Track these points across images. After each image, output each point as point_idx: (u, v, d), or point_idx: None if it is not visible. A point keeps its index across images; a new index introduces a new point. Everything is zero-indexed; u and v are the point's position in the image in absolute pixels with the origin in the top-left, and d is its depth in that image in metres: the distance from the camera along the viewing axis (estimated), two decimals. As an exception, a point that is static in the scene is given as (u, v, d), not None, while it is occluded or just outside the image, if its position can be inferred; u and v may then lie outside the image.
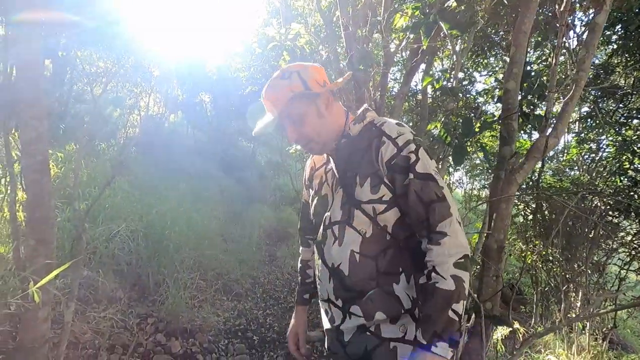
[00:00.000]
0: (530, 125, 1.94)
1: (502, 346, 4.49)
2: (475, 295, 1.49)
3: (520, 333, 4.57)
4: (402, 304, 0.92)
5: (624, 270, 4.60)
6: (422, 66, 3.37)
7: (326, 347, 1.09)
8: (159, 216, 3.64)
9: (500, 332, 4.42)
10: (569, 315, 4.99)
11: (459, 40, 1.95)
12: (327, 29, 2.99)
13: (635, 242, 5.03)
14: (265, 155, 12.42)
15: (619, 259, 5.39)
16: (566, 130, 6.50)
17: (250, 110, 8.41)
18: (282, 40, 2.49)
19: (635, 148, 4.40)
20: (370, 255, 0.94)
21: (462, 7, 1.41)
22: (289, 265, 5.55)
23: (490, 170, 6.98)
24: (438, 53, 3.98)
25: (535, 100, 1.90)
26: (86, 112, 7.59)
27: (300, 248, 1.33)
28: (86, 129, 5.80)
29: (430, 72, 3.18)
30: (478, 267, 1.73)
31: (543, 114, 1.76)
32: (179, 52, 9.45)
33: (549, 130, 1.52)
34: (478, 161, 8.26)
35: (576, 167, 5.69)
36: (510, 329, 3.08)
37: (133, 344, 2.30)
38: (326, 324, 1.06)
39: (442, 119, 1.57)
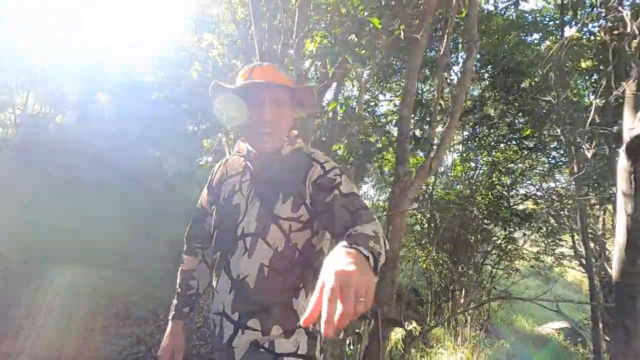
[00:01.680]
0: (419, 148, 2.23)
1: (402, 344, 4.93)
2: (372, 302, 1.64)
3: (417, 331, 5.10)
4: (298, 318, 0.96)
5: (494, 269, 5.52)
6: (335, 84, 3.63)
7: None
8: (38, 233, 3.13)
9: (400, 333, 4.86)
10: (454, 310, 5.73)
11: (365, 68, 2.17)
12: (243, 40, 3.00)
13: (503, 244, 6.08)
14: (174, 164, 11.58)
15: (491, 260, 6.43)
16: (452, 151, 7.56)
17: (159, 115, 7.81)
18: (193, 49, 2.42)
19: (501, 168, 5.37)
20: (279, 270, 0.95)
21: (363, 42, 1.60)
22: (199, 283, 5.24)
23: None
24: (348, 75, 4.31)
25: (425, 126, 2.20)
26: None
27: (184, 256, 1.24)
28: None
29: (341, 94, 3.40)
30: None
31: (427, 137, 2.05)
32: (74, 48, 8.34)
33: (433, 153, 1.78)
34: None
35: (460, 183, 6.60)
36: (409, 328, 3.41)
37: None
38: (216, 341, 1.02)
39: (345, 141, 1.73)
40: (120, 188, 7.75)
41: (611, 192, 3.58)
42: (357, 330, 1.64)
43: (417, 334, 5.16)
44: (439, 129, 2.08)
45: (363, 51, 1.57)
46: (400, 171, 1.89)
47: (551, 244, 5.69)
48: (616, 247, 0.87)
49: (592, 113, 1.95)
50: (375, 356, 1.72)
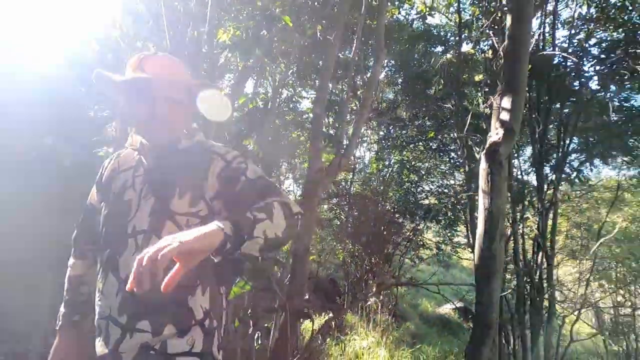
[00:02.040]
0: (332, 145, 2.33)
1: (320, 335, 5.12)
2: (281, 295, 1.67)
3: (332, 321, 5.35)
4: (194, 315, 0.94)
5: (402, 258, 6.07)
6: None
7: None
8: None
9: (318, 323, 5.05)
10: (368, 299, 6.14)
11: (275, 65, 2.17)
12: (154, 21, 2.75)
13: (411, 236, 6.71)
14: (70, 154, 10.14)
15: (400, 250, 7.04)
16: (369, 150, 8.06)
17: (52, 97, 6.75)
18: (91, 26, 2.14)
19: (410, 166, 5.91)
20: (173, 268, 0.93)
21: (275, 38, 1.61)
22: (99, 287, 4.71)
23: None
24: (267, 70, 4.26)
25: (338, 125, 2.30)
26: None
27: (72, 261, 1.14)
28: None
29: (261, 88, 3.36)
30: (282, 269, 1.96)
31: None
32: None
33: (342, 151, 1.88)
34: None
35: (375, 179, 7.06)
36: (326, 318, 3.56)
37: None
38: (100, 349, 0.95)
39: (255, 137, 1.73)
40: (1, 182, 6.53)
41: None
42: (265, 325, 1.66)
43: (333, 323, 5.42)
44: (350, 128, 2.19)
45: (275, 47, 1.58)
46: (313, 167, 1.95)
47: (449, 234, 6.45)
48: (477, 237, 1.04)
49: (468, 120, 2.27)
50: (284, 348, 1.76)
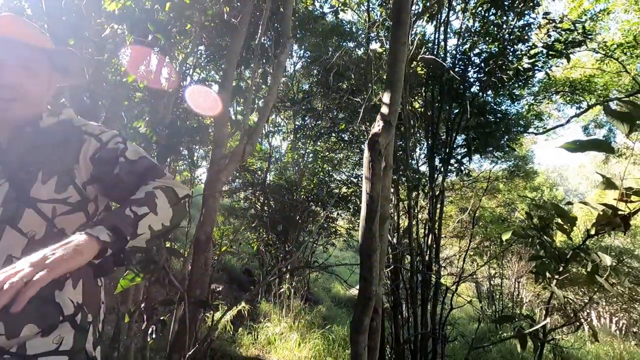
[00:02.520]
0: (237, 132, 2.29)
1: (231, 325, 5.06)
2: (180, 285, 1.61)
3: (246, 309, 5.32)
4: (62, 311, 0.85)
5: (314, 244, 6.32)
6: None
7: None
8: None
9: (230, 314, 4.97)
10: (281, 286, 6.26)
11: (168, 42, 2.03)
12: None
13: (324, 223, 7.00)
14: None
15: (312, 237, 7.31)
16: (285, 140, 8.10)
17: None
18: None
19: (323, 156, 6.13)
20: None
21: (171, 15, 1.50)
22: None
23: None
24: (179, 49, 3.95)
25: (245, 112, 2.26)
26: None
27: None
28: None
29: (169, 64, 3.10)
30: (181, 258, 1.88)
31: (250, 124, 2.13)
32: None
33: (246, 138, 1.86)
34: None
35: (290, 169, 7.15)
36: (239, 308, 3.53)
37: None
38: None
39: (147, 118, 1.59)
40: None
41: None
42: (162, 318, 1.58)
43: (246, 313, 5.40)
44: (255, 115, 2.18)
45: (173, 24, 1.47)
46: (217, 154, 1.90)
47: (357, 221, 6.89)
48: (361, 219, 1.16)
49: (361, 113, 2.46)
50: (182, 341, 1.70)
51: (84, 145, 0.90)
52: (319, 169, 6.33)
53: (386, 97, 1.21)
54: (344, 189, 6.58)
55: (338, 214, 6.69)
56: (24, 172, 0.86)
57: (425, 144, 4.71)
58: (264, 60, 2.84)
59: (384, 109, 1.19)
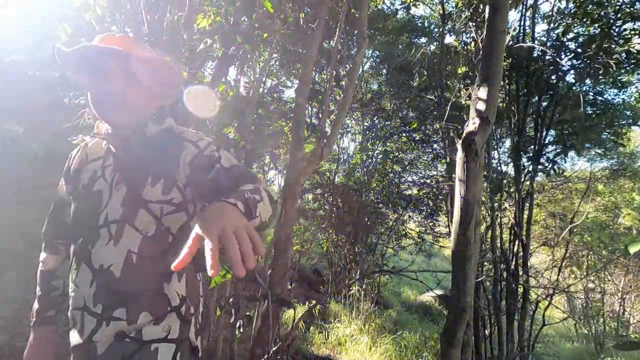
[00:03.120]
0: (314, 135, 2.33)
1: (303, 323, 5.19)
2: (263, 283, 1.68)
3: (316, 309, 5.41)
4: (170, 302, 0.93)
5: (385, 247, 6.17)
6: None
7: None
8: None
9: (301, 312, 5.10)
10: (351, 289, 6.24)
11: (257, 52, 2.14)
12: (131, 6, 2.65)
13: (394, 226, 6.82)
14: (41, 143, 9.73)
15: (382, 240, 7.16)
16: (353, 141, 8.08)
17: (23, 84, 6.45)
18: (63, 9, 2.04)
19: (393, 157, 5.96)
20: (149, 256, 0.91)
21: (256, 25, 1.58)
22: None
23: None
24: (253, 58, 4.18)
25: (320, 115, 2.29)
26: None
27: (43, 256, 1.12)
28: None
29: (243, 74, 3.29)
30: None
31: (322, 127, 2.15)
32: None
33: (324, 140, 1.88)
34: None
35: (358, 170, 7.11)
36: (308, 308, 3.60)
37: None
38: (74, 339, 0.94)
39: (236, 125, 1.70)
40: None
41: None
42: (247, 313, 1.66)
43: (317, 312, 5.48)
44: (333, 118, 2.19)
45: (257, 34, 1.55)
46: (295, 156, 1.95)
47: (430, 224, 6.58)
48: (454, 223, 1.07)
49: (447, 112, 2.31)
50: (266, 336, 1.77)
51: (183, 151, 0.96)
52: (389, 170, 6.18)
53: (482, 92, 1.11)
54: (415, 191, 6.33)
55: (409, 216, 6.45)
56: (136, 176, 0.95)
57: (509, 141, 4.30)
58: (337, 63, 2.85)
59: (480, 105, 1.09)
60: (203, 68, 3.31)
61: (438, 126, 4.72)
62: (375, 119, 7.18)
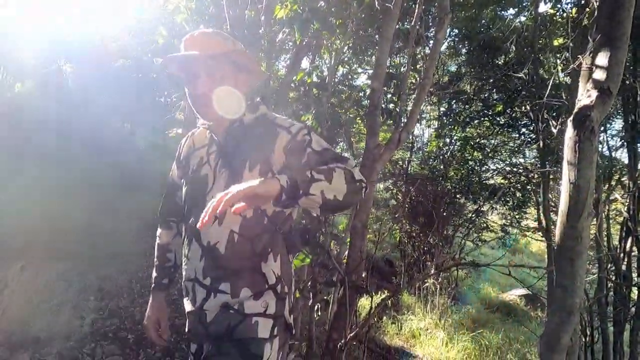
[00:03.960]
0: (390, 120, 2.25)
1: (376, 312, 5.16)
2: (341, 269, 1.69)
3: (389, 300, 5.34)
4: (267, 280, 1.00)
5: (464, 240, 5.78)
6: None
7: (187, 329, 1.08)
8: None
9: (374, 301, 5.07)
10: (425, 281, 6.01)
11: (337, 39, 2.11)
12: (214, 7, 2.84)
13: (473, 217, 6.35)
14: (145, 137, 11.15)
15: (461, 232, 6.72)
16: (428, 127, 7.66)
17: (127, 84, 7.42)
18: (158, 14, 2.27)
19: (473, 143, 5.50)
20: (248, 236, 0.99)
21: (333, 10, 1.55)
22: (174, 257, 5.21)
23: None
24: (325, 46, 4.19)
25: (396, 99, 2.20)
26: None
27: (159, 231, 1.29)
28: None
29: (315, 63, 3.32)
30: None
31: (397, 111, 2.06)
32: (29, 9, 7.68)
33: (402, 126, 1.80)
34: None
35: (434, 158, 6.75)
36: (382, 297, 3.57)
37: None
38: (188, 306, 1.07)
39: (313, 111, 1.71)
40: (87, 162, 7.43)
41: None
42: (324, 297, 1.70)
43: (389, 302, 5.41)
44: (410, 102, 2.08)
45: (332, 19, 1.53)
46: (370, 143, 1.90)
47: (517, 216, 5.97)
48: (560, 214, 0.93)
49: (549, 87, 2.01)
50: (343, 322, 1.78)
51: (277, 137, 1.01)
52: (469, 157, 5.74)
53: (602, 58, 0.92)
54: (499, 180, 5.79)
55: (493, 207, 5.94)
56: (236, 161, 1.02)
57: (621, 121, 3.65)
58: (414, 44, 2.69)
59: (599, 74, 0.91)
60: (277, 61, 3.40)
61: (528, 107, 4.21)
62: (452, 103, 6.69)
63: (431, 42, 2.17)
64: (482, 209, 6.15)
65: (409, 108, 1.99)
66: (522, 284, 1.96)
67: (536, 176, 4.77)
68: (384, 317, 5.18)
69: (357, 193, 0.93)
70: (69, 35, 7.33)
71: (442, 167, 6.18)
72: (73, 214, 4.18)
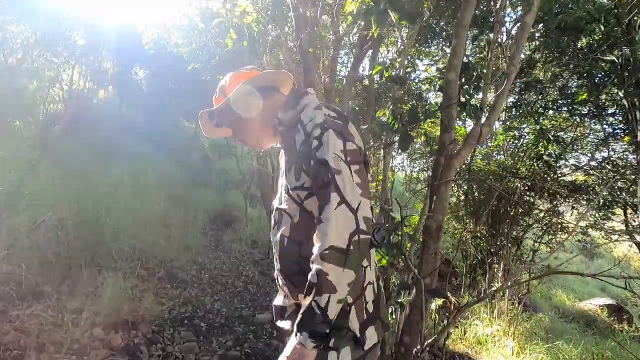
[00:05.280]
0: (465, 114, 2.10)
1: (437, 316, 4.94)
2: (417, 272, 1.61)
3: (452, 303, 5.07)
4: None
5: (537, 244, 5.27)
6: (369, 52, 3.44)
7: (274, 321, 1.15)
8: (92, 202, 3.34)
9: (434, 303, 4.85)
10: (492, 284, 5.62)
11: (406, 30, 2.02)
12: (277, 8, 2.90)
13: (546, 218, 5.78)
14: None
15: (533, 233, 6.16)
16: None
17: (192, 89, 7.93)
18: (229, 17, 2.36)
19: (550, 136, 4.98)
20: (297, 240, 0.97)
21: (410, -1, 1.48)
22: (237, 250, 5.47)
23: (429, 155, 7.45)
24: (384, 40, 4.07)
25: (472, 91, 2.04)
26: (-3, 85, 6.59)
27: None
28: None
29: (381, 60, 3.24)
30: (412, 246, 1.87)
31: (478, 105, 1.92)
32: (109, 21, 8.53)
33: (484, 119, 1.66)
34: (418, 145, 8.72)
35: (502, 153, 6.27)
36: (444, 300, 3.40)
37: (68, 341, 2.13)
38: (276, 301, 1.13)
39: (391, 107, 1.64)
40: (159, 160, 8.08)
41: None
42: (399, 300, 1.64)
43: (456, 305, 5.14)
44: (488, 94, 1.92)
45: (409, 8, 1.45)
46: (447, 139, 1.79)
47: (602, 218, 5.33)
48: None
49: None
50: (417, 326, 1.71)
51: (296, 136, 0.97)
52: (543, 152, 5.22)
53: None
54: (580, 177, 5.21)
55: (573, 207, 5.36)
56: (285, 166, 1.04)
57: None
58: (488, 31, 2.50)
59: None
60: (340, 57, 3.36)
61: (621, 94, 3.70)
62: (523, 93, 6.14)
63: (510, 27, 1.99)
64: (556, 209, 5.57)
65: (489, 100, 1.84)
66: (619, 301, 1.70)
67: (629, 172, 4.20)
68: (445, 320, 4.95)
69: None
70: (144, 44, 8.01)
71: (510, 162, 5.71)
72: (150, 208, 4.56)
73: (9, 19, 6.14)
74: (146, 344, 2.43)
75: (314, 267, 0.84)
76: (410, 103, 3.97)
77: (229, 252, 5.37)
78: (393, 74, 1.80)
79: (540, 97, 5.64)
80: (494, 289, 1.91)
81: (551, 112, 5.68)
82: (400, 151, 1.56)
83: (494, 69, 1.99)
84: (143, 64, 9.79)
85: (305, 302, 0.84)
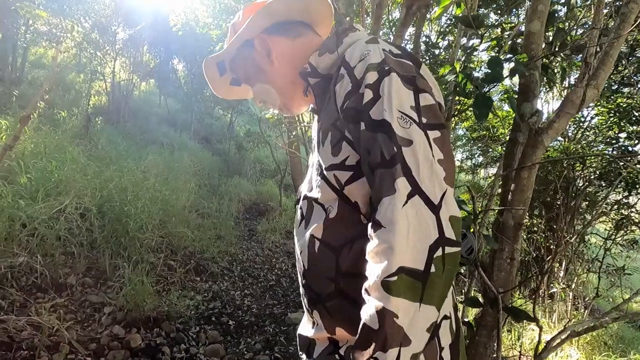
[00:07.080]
0: (546, 79, 1.64)
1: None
2: (493, 287, 1.22)
3: (541, 329, 4.56)
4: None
5: (609, 241, 4.54)
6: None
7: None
8: (119, 191, 3.22)
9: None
10: (551, 284, 5.01)
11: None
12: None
13: (614, 212, 5.02)
14: (243, 125, 11.85)
15: (598, 229, 5.40)
16: (558, 96, 6.31)
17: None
18: None
19: (628, 117, 4.23)
20: (333, 244, 0.62)
21: None
22: (270, 241, 5.29)
23: (477, 140, 6.79)
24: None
25: (556, 49, 1.58)
26: (45, 78, 6.85)
27: None
28: (43, 96, 5.15)
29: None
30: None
31: (563, 66, 1.46)
32: (145, 13, 8.62)
33: (586, 79, 1.21)
34: (461, 131, 8.03)
35: (564, 137, 5.53)
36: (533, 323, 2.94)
37: (85, 339, 1.98)
38: (300, 327, 0.75)
39: (462, 60, 1.26)
40: (194, 149, 8.10)
41: None
42: (466, 319, 1.28)
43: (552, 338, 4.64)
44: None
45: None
46: (527, 109, 1.36)
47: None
48: None
49: None
50: (483, 351, 1.33)
51: (338, 83, 0.61)
52: (618, 135, 4.47)
53: None
54: (667, 163, 4.41)
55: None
56: (317, 135, 0.68)
57: None
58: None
59: None
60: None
61: None
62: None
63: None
64: (627, 201, 4.80)
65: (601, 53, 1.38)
66: None
67: None
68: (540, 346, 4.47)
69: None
70: (182, 37, 8.00)
71: (576, 147, 4.99)
72: (181, 197, 4.45)
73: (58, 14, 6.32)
74: (169, 344, 2.24)
75: (372, 302, 0.49)
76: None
77: (262, 242, 5.19)
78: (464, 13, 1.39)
79: (614, 72, 4.84)
80: (606, 319, 1.45)
81: (627, 89, 4.87)
82: (478, 121, 1.16)
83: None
84: (178, 53, 9.86)
85: (360, 358, 0.49)
